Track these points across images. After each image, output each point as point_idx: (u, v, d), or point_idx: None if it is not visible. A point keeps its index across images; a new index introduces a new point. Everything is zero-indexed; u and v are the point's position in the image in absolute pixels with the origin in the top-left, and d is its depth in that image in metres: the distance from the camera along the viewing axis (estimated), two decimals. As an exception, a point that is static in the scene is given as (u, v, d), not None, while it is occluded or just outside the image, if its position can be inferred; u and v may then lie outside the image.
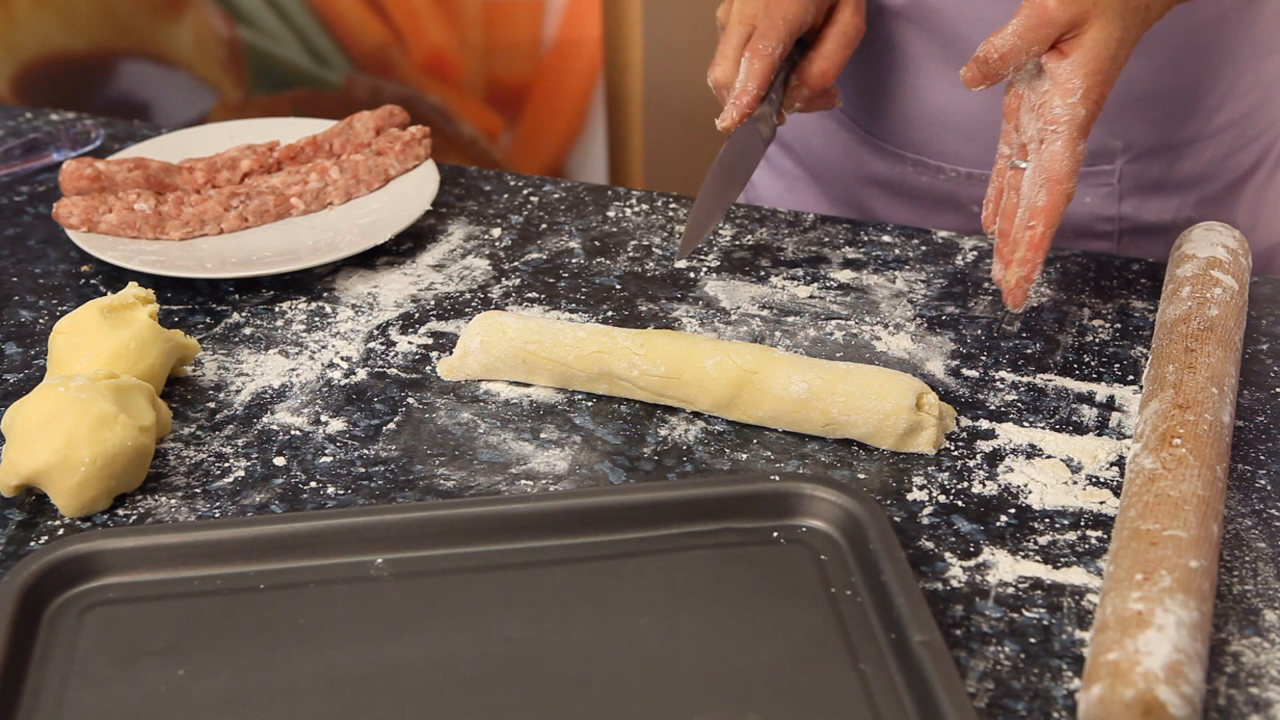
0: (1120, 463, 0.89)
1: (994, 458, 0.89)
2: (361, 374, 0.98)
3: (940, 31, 1.14)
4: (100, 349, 0.91)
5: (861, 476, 0.88)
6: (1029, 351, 1.00)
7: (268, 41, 2.14)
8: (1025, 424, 0.92)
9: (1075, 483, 0.87)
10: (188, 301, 1.06)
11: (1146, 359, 0.97)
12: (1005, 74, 0.92)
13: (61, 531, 0.84)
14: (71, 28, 2.11)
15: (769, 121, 1.06)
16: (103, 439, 0.83)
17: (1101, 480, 0.87)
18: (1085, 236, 1.19)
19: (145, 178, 1.15)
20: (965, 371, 0.98)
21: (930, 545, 0.82)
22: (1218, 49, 1.13)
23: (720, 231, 1.15)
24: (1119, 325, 1.02)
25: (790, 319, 1.03)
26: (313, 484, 0.88)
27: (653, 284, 1.08)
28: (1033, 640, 0.76)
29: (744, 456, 0.90)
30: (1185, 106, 1.15)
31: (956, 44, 1.13)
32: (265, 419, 0.93)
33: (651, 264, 1.11)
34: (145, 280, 1.05)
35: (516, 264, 1.11)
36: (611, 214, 1.18)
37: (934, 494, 0.86)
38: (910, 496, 0.86)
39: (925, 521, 0.84)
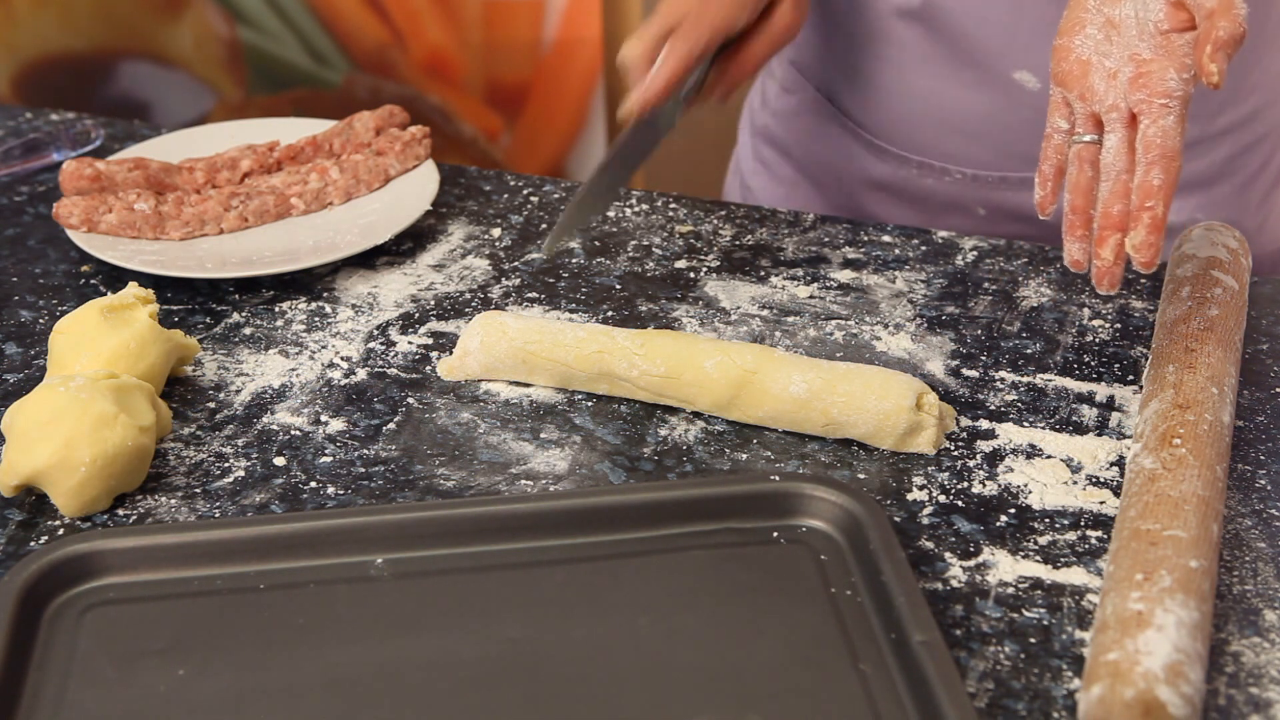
0: (1120, 463, 0.89)
1: (994, 458, 0.89)
2: (361, 374, 0.98)
3: (948, 32, 1.13)
4: (100, 349, 0.91)
5: (861, 476, 0.88)
6: (1029, 351, 1.00)
7: (268, 41, 2.14)
8: (1025, 424, 0.92)
9: (1075, 483, 0.87)
10: (188, 301, 1.06)
11: (1146, 359, 0.97)
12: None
13: (61, 531, 0.84)
14: (71, 28, 2.11)
15: (671, 116, 1.04)
16: (103, 439, 0.83)
17: (1101, 480, 0.87)
18: None
19: (145, 178, 1.15)
20: (965, 371, 0.98)
21: (930, 545, 0.82)
22: None
23: (720, 231, 1.15)
24: (1119, 325, 1.02)
25: (790, 319, 1.03)
26: (313, 484, 0.88)
27: (653, 284, 1.08)
28: (1033, 640, 0.76)
29: (744, 456, 0.90)
30: (1191, 108, 1.15)
31: (963, 44, 1.13)
32: (265, 419, 0.93)
33: (651, 264, 1.11)
34: (145, 280, 1.05)
35: (516, 264, 1.11)
36: (611, 214, 1.18)
37: (934, 494, 0.86)
38: (910, 496, 0.86)
39: (925, 521, 0.84)
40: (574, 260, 1.12)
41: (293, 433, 0.92)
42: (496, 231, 1.16)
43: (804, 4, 1.07)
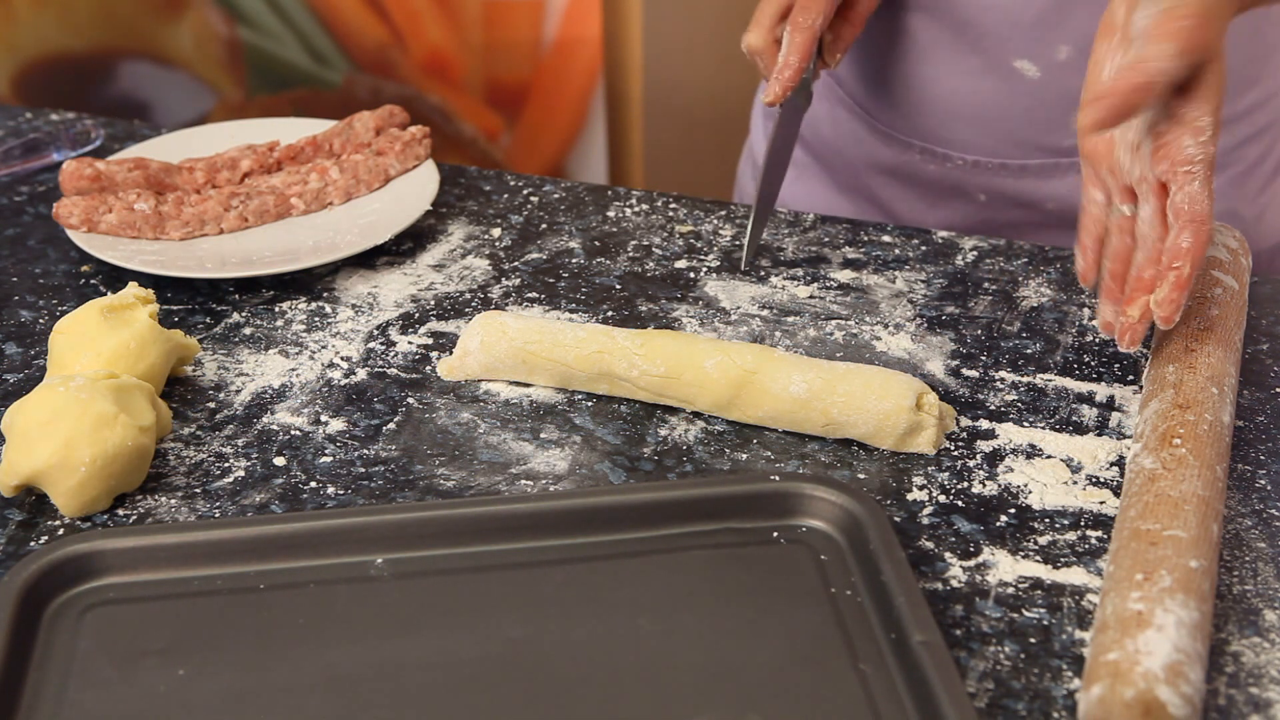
0: (1120, 463, 0.89)
1: (994, 458, 0.89)
2: (361, 374, 0.98)
3: (951, 19, 1.14)
4: (100, 349, 0.91)
5: (861, 476, 0.88)
6: (1029, 351, 1.00)
7: (268, 41, 2.14)
8: (1025, 424, 0.92)
9: (1075, 483, 0.87)
10: (188, 301, 1.06)
11: (1146, 359, 0.97)
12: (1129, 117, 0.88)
13: (61, 531, 0.84)
14: (71, 28, 2.11)
15: (808, 92, 1.07)
16: (103, 439, 0.83)
17: (1101, 480, 0.87)
18: None
19: (145, 178, 1.15)
20: (965, 371, 0.98)
21: (930, 545, 0.82)
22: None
23: (720, 231, 1.15)
24: (1119, 325, 1.02)
25: (790, 319, 1.03)
26: (313, 484, 0.88)
27: (653, 284, 1.08)
28: (1033, 640, 0.76)
29: (744, 456, 0.90)
30: None
31: (966, 32, 1.14)
32: (265, 419, 0.93)
33: (651, 264, 1.11)
34: (145, 280, 1.05)
35: (516, 264, 1.11)
36: (611, 214, 1.18)
37: (934, 494, 0.86)
38: (910, 496, 0.86)
39: (925, 521, 0.84)
40: (574, 260, 1.12)
41: (293, 433, 0.92)
42: (496, 231, 1.16)
43: None
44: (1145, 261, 0.88)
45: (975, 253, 1.12)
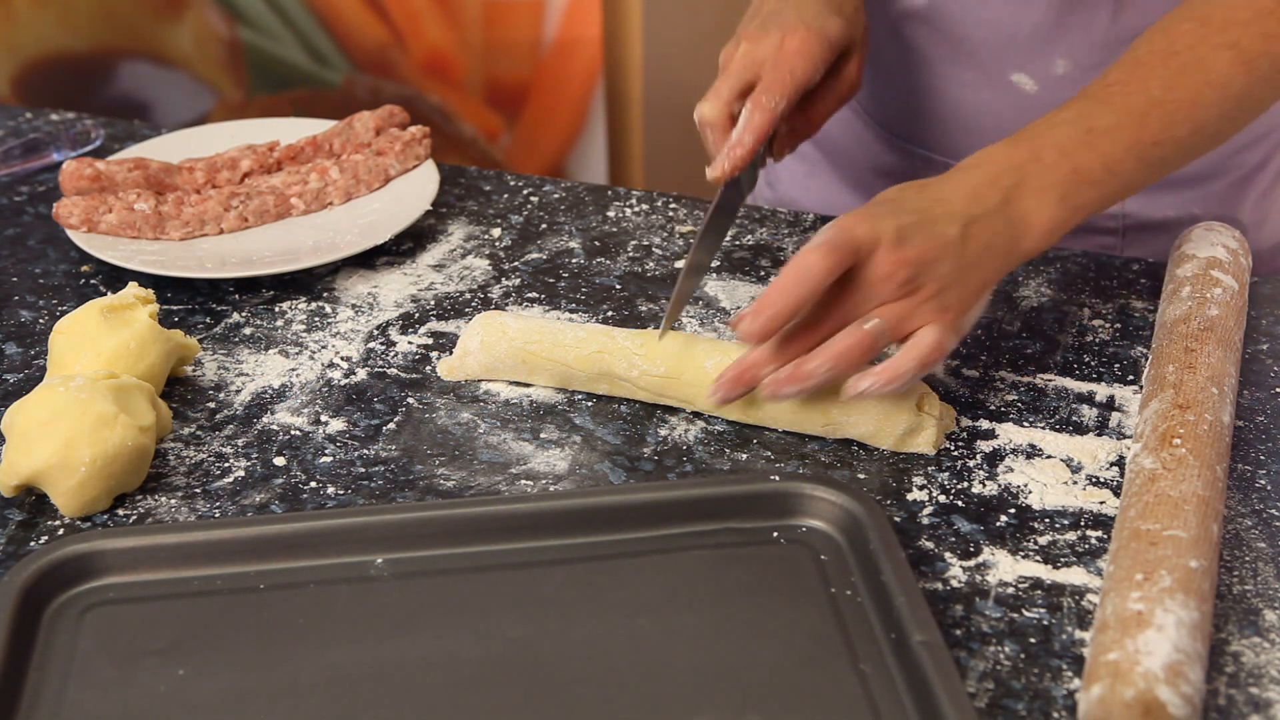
0: (1120, 463, 0.89)
1: (994, 458, 0.89)
2: (361, 374, 0.98)
3: (950, 33, 1.15)
4: (100, 349, 0.91)
5: (861, 476, 0.88)
6: (1029, 351, 1.00)
7: (268, 41, 2.14)
8: (1025, 424, 0.92)
9: (1075, 483, 0.87)
10: (188, 301, 1.06)
11: (1146, 359, 0.97)
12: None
13: (61, 531, 0.84)
14: (71, 28, 2.11)
15: (753, 175, 1.01)
16: (103, 439, 0.83)
17: (1101, 480, 0.87)
18: (1090, 232, 1.19)
19: (145, 178, 1.15)
20: (965, 371, 0.98)
21: (930, 545, 0.82)
22: None
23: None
24: (1119, 325, 1.02)
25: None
26: (313, 484, 0.88)
27: (653, 284, 1.08)
28: (1033, 640, 0.76)
29: (744, 456, 0.90)
30: None
31: (963, 46, 1.15)
32: (265, 419, 0.93)
33: (651, 264, 1.11)
34: (145, 280, 1.05)
35: (516, 264, 1.11)
36: (611, 214, 1.18)
37: (934, 494, 0.86)
38: (910, 496, 0.86)
39: (925, 521, 0.84)
40: (574, 260, 1.12)
41: (293, 433, 0.92)
42: (496, 231, 1.16)
43: (863, 63, 1.07)
44: (823, 351, 0.85)
45: (975, 253, 1.12)
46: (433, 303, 1.06)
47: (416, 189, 1.17)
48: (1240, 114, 0.93)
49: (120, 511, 0.85)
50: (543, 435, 0.92)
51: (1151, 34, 0.94)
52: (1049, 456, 0.89)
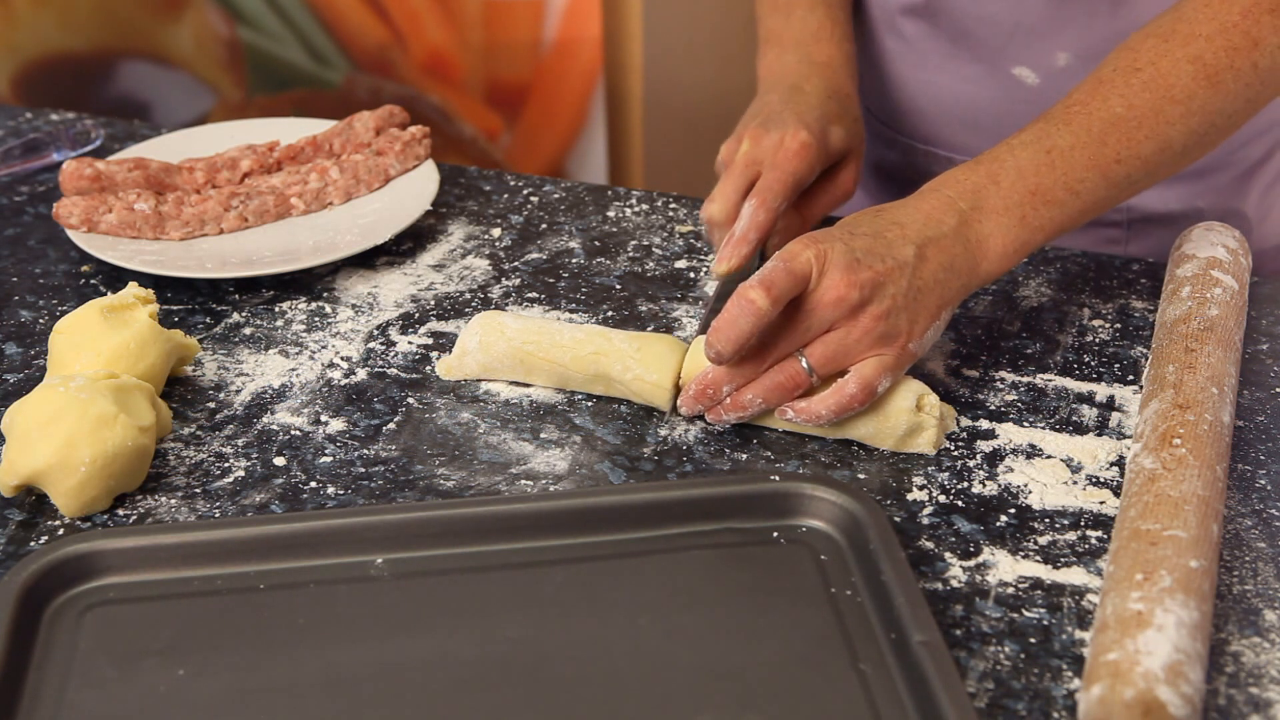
0: (1120, 463, 0.89)
1: (994, 458, 0.89)
2: (361, 374, 0.98)
3: (950, 28, 1.15)
4: (100, 349, 0.91)
5: (861, 476, 0.88)
6: (1029, 351, 1.00)
7: (268, 41, 2.14)
8: (1025, 424, 0.92)
9: (1075, 483, 0.87)
10: (188, 301, 1.06)
11: (1146, 359, 0.97)
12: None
13: (61, 531, 0.84)
14: (71, 28, 2.11)
15: (751, 269, 1.01)
16: (103, 439, 0.83)
17: (1101, 480, 0.87)
18: (1095, 225, 1.20)
19: (145, 178, 1.15)
20: (965, 371, 0.98)
21: (930, 545, 0.82)
22: None
23: (720, 231, 1.15)
24: (1119, 325, 1.02)
25: (790, 319, 1.03)
26: (313, 484, 0.88)
27: (653, 284, 1.08)
28: (1033, 640, 0.76)
29: (744, 456, 0.90)
30: None
31: (965, 40, 1.15)
32: (265, 419, 0.93)
33: (651, 264, 1.11)
34: (145, 280, 1.05)
35: (516, 264, 1.11)
36: (611, 214, 1.18)
37: (934, 494, 0.86)
38: (910, 496, 0.86)
39: (925, 521, 0.84)
40: (574, 260, 1.12)
41: (293, 433, 0.92)
42: (496, 231, 1.16)
43: (859, 170, 1.09)
44: (767, 382, 0.88)
45: (975, 253, 1.12)
46: (433, 303, 1.06)
47: (416, 189, 1.17)
48: (1208, 131, 0.94)
49: (120, 511, 0.85)
50: (543, 435, 0.92)
51: (1117, 52, 0.95)
52: (1049, 456, 0.89)
